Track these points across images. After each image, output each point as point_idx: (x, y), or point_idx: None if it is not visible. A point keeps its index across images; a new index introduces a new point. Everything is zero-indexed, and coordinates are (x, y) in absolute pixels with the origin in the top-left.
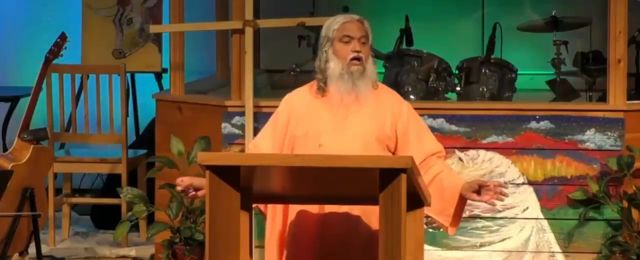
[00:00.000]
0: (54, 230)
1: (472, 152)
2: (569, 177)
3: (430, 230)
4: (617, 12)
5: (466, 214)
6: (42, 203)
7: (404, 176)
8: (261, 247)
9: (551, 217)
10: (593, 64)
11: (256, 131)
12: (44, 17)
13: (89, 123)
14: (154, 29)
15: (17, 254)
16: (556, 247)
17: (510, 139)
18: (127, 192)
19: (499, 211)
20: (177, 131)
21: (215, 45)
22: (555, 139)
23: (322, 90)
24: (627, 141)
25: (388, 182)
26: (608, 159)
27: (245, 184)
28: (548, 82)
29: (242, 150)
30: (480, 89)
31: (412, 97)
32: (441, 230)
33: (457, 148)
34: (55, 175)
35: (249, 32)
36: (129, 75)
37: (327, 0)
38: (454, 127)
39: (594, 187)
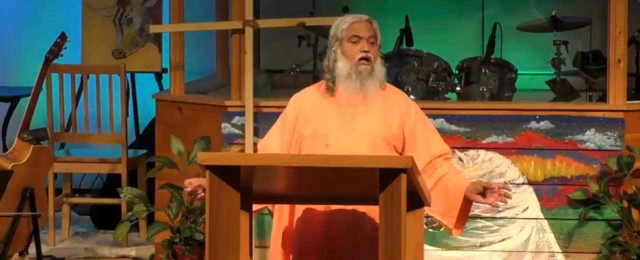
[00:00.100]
0: (54, 230)
1: (472, 152)
2: (569, 177)
3: (430, 230)
4: (617, 12)
5: None
6: (42, 203)
7: (404, 176)
8: (261, 247)
9: (551, 217)
10: (593, 64)
11: (256, 131)
12: (44, 17)
13: (89, 123)
14: (154, 29)
15: (17, 254)
16: (556, 247)
17: (510, 139)
18: (127, 192)
19: (499, 211)
20: (177, 131)
21: (215, 45)
22: (555, 139)
23: (331, 90)
24: (627, 141)
25: (388, 182)
26: (608, 159)
27: (245, 184)
28: (548, 82)
29: (242, 150)
30: (480, 89)
31: (412, 97)
32: (441, 230)
33: (457, 148)
34: (55, 175)
35: (249, 32)
36: (129, 75)
37: (327, 0)
38: (454, 127)
39: (594, 187)
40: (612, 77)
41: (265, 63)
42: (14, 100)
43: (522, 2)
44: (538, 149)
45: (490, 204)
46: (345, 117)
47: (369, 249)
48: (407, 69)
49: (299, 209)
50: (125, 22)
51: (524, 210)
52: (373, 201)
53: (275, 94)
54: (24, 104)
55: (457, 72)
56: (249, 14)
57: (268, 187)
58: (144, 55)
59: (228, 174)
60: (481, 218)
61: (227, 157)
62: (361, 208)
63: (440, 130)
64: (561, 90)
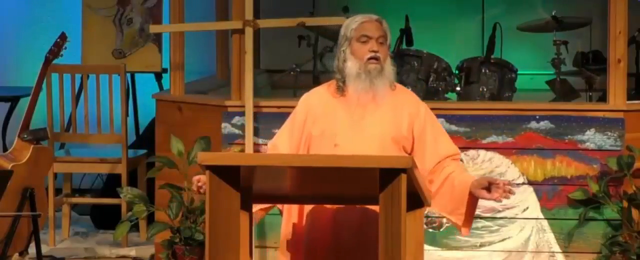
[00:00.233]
0: (54, 230)
1: (472, 152)
2: (569, 177)
3: (430, 230)
4: (617, 12)
5: None
6: (42, 203)
7: (404, 176)
8: (261, 247)
9: (551, 217)
10: (593, 64)
11: (256, 131)
12: (44, 17)
13: (89, 123)
14: (154, 29)
15: (17, 254)
16: (556, 247)
17: (510, 139)
18: (127, 192)
19: (499, 211)
20: (177, 131)
21: (215, 45)
22: (555, 139)
23: (341, 90)
24: (627, 141)
25: (388, 182)
26: (608, 159)
27: (245, 184)
28: (548, 82)
29: (242, 150)
30: (480, 89)
31: None
32: (441, 230)
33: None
34: (55, 175)
35: (249, 32)
36: (129, 75)
37: (327, 0)
38: (454, 127)
39: (594, 187)
40: (612, 77)
41: (265, 63)
42: (14, 100)
43: (522, 2)
44: (538, 149)
45: (494, 199)
46: (355, 117)
47: (377, 247)
48: (407, 69)
49: (308, 206)
50: (125, 22)
51: (524, 210)
52: (372, 201)
53: (275, 94)
54: (24, 104)
55: (457, 72)
56: (249, 14)
57: (268, 187)
58: (144, 55)
59: (228, 174)
60: (481, 218)
61: (227, 157)
62: (370, 206)
63: None
64: (561, 90)
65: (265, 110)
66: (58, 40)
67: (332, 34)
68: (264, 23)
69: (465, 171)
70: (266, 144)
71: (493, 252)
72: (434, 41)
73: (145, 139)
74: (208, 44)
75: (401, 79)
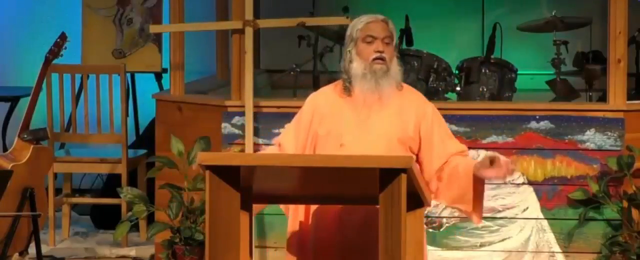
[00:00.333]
0: (54, 230)
1: (472, 152)
2: (569, 177)
3: (430, 230)
4: (617, 12)
5: None
6: (42, 203)
7: (404, 176)
8: (261, 247)
9: (551, 217)
10: (593, 64)
11: (256, 131)
12: (44, 17)
13: (89, 123)
14: (154, 29)
15: (17, 254)
16: (556, 247)
17: (510, 139)
18: (127, 192)
19: (499, 211)
20: (177, 131)
21: (215, 45)
22: (555, 139)
23: (348, 90)
24: (627, 141)
25: (388, 182)
26: (608, 159)
27: (245, 184)
28: (548, 82)
29: (242, 150)
30: (480, 89)
31: None
32: (441, 230)
33: None
34: (55, 175)
35: (249, 32)
36: (129, 75)
37: (327, 0)
38: (454, 127)
39: (594, 187)
40: (612, 77)
41: (265, 63)
42: (14, 100)
43: (522, 2)
44: (538, 149)
45: (498, 177)
46: (361, 117)
47: None
48: (407, 69)
49: (314, 206)
50: (125, 22)
51: (524, 210)
52: (373, 201)
53: (275, 94)
54: (24, 104)
55: (457, 72)
56: (249, 14)
57: (268, 187)
58: (144, 55)
59: (228, 174)
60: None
61: (227, 157)
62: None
63: None
64: (561, 90)
65: (265, 110)
66: (58, 40)
67: (332, 34)
68: (264, 23)
69: (469, 159)
70: (266, 144)
71: (493, 252)
72: (434, 41)
73: (145, 139)
74: (208, 44)
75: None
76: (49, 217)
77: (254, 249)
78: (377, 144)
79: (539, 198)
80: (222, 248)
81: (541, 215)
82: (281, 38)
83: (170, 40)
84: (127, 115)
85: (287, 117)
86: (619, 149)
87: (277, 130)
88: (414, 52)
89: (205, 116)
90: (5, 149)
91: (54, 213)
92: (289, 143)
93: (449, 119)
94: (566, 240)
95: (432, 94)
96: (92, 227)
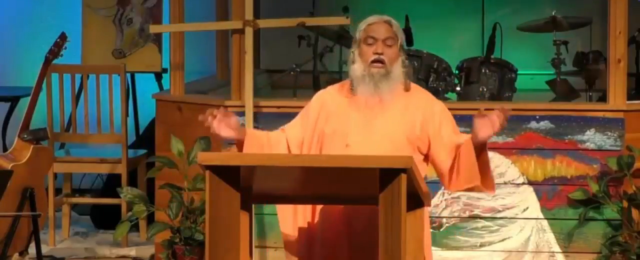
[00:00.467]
0: (54, 230)
1: None
2: (569, 177)
3: (431, 230)
4: (617, 12)
5: (466, 214)
6: (42, 203)
7: (404, 176)
8: (261, 247)
9: (551, 217)
10: (593, 64)
11: None
12: (43, 16)
13: (89, 123)
14: (154, 29)
15: (17, 254)
16: (556, 247)
17: (510, 139)
18: (127, 192)
19: (499, 211)
20: (177, 131)
21: (215, 45)
22: (555, 139)
23: (354, 90)
24: (627, 141)
25: (388, 182)
26: (608, 159)
27: (245, 184)
28: (548, 82)
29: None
30: (480, 89)
31: None
32: (441, 230)
33: None
34: (55, 175)
35: (249, 32)
36: (129, 75)
37: (327, 0)
38: None
39: (594, 187)
40: (612, 77)
41: (265, 63)
42: (14, 100)
43: (522, 2)
44: (538, 149)
45: (494, 127)
46: (367, 118)
47: None
48: None
49: (318, 206)
50: (125, 22)
51: (524, 210)
52: (372, 201)
53: (275, 94)
54: (24, 104)
55: (457, 72)
56: (249, 14)
57: (268, 187)
58: (144, 55)
59: (228, 174)
60: (481, 218)
61: (227, 157)
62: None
63: None
64: (561, 90)
65: (265, 110)
66: (58, 40)
67: (332, 34)
68: (264, 23)
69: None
70: None
71: (493, 252)
72: (434, 41)
73: (145, 139)
74: (208, 44)
75: None
76: (49, 217)
77: (254, 249)
78: (383, 144)
79: (539, 198)
80: (222, 248)
81: (541, 215)
82: (281, 38)
83: (170, 40)
84: (127, 115)
85: (287, 117)
86: (619, 149)
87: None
88: (414, 52)
89: None
90: (5, 149)
91: (54, 213)
92: (295, 134)
93: None
94: (566, 240)
95: (432, 94)
96: (92, 227)
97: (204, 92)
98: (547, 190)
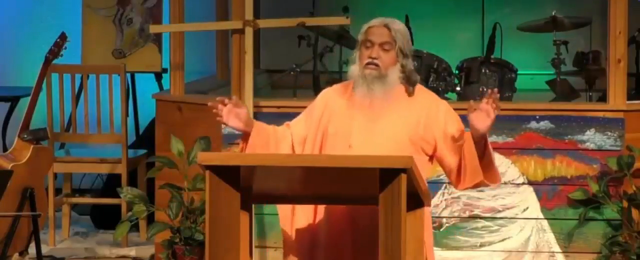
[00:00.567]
0: (54, 230)
1: None
2: (569, 177)
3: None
4: (617, 12)
5: (466, 214)
6: (42, 203)
7: (404, 176)
8: (261, 247)
9: (551, 217)
10: (593, 64)
11: None
12: (44, 17)
13: (89, 123)
14: (154, 29)
15: (17, 254)
16: (556, 247)
17: (510, 139)
18: (127, 192)
19: (499, 211)
20: (177, 131)
21: (215, 45)
22: (555, 139)
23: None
24: (627, 141)
25: (388, 182)
26: (608, 159)
27: (245, 184)
28: (548, 82)
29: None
30: (480, 89)
31: None
32: (441, 230)
33: None
34: (55, 175)
35: (249, 32)
36: (129, 75)
37: (327, 0)
38: None
39: (594, 187)
40: (612, 77)
41: (265, 63)
42: (14, 100)
43: (522, 2)
44: (538, 149)
45: (489, 115)
46: (369, 118)
47: None
48: None
49: (321, 207)
50: (125, 22)
51: (524, 210)
52: (372, 201)
53: (275, 94)
54: (24, 104)
55: (457, 72)
56: (249, 14)
57: (268, 187)
58: (144, 55)
59: (228, 174)
60: (481, 218)
61: (227, 157)
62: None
63: None
64: (561, 90)
65: (265, 110)
66: (58, 40)
67: (332, 34)
68: (264, 23)
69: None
70: None
71: (493, 252)
72: (434, 41)
73: (145, 139)
74: (208, 44)
75: None
76: (49, 217)
77: (254, 249)
78: (386, 145)
79: (539, 198)
80: (222, 248)
81: (541, 215)
82: (281, 38)
83: (170, 40)
84: (127, 115)
85: (287, 117)
86: (619, 149)
87: None
88: (414, 52)
89: (205, 116)
90: (5, 149)
91: (54, 213)
92: (299, 126)
93: None
94: (566, 240)
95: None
96: (92, 227)
97: (204, 92)
98: (547, 190)
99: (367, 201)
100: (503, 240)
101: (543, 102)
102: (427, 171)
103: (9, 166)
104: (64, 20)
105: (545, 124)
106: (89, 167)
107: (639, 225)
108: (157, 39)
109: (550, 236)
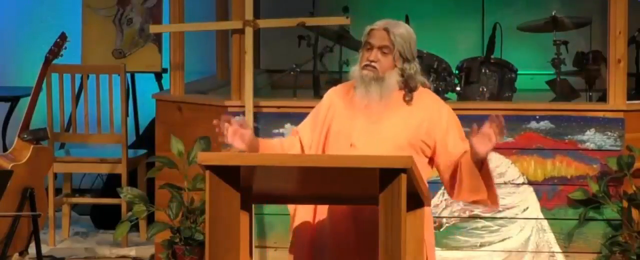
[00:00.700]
0: (54, 230)
1: None
2: (569, 177)
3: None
4: (617, 12)
5: (466, 214)
6: (42, 203)
7: (404, 176)
8: (261, 247)
9: (551, 217)
10: (593, 64)
11: (256, 131)
12: (44, 16)
13: (89, 123)
14: (154, 29)
15: (17, 254)
16: (556, 247)
17: (510, 139)
18: (127, 192)
19: (499, 211)
20: (177, 131)
21: (215, 45)
22: (555, 139)
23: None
24: (627, 141)
25: (388, 182)
26: (608, 159)
27: (245, 184)
28: (548, 82)
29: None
30: (480, 89)
31: None
32: (441, 230)
33: None
34: (55, 175)
35: (249, 32)
36: (129, 75)
37: (327, 0)
38: None
39: (594, 187)
40: (612, 77)
41: (265, 63)
42: (14, 100)
43: (522, 2)
44: (538, 149)
45: (491, 140)
46: (371, 119)
47: None
48: None
49: (324, 206)
50: (125, 22)
51: (524, 210)
52: (372, 201)
53: (275, 94)
54: (24, 104)
55: (457, 72)
56: (249, 14)
57: (268, 187)
58: (144, 55)
59: (228, 174)
60: (481, 218)
61: (227, 157)
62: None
63: None
64: (561, 90)
65: (265, 110)
66: (58, 40)
67: (332, 34)
68: (264, 23)
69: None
70: None
71: (493, 252)
72: (434, 41)
73: (145, 139)
74: (208, 44)
75: None
76: (49, 217)
77: (254, 249)
78: (386, 147)
79: (539, 198)
80: (222, 248)
81: (541, 215)
82: (281, 38)
83: (170, 40)
84: (127, 115)
85: (287, 117)
86: (619, 149)
87: (277, 131)
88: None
89: (205, 116)
90: (5, 149)
91: (54, 213)
92: (305, 130)
93: None
94: (566, 240)
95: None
96: (92, 227)
97: (204, 92)
98: (547, 190)
99: (367, 201)
100: (503, 240)
101: (543, 102)
102: (427, 172)
103: (9, 166)
104: (64, 20)
105: (545, 124)
106: (89, 167)
107: (639, 225)
108: (157, 39)
109: (550, 236)
